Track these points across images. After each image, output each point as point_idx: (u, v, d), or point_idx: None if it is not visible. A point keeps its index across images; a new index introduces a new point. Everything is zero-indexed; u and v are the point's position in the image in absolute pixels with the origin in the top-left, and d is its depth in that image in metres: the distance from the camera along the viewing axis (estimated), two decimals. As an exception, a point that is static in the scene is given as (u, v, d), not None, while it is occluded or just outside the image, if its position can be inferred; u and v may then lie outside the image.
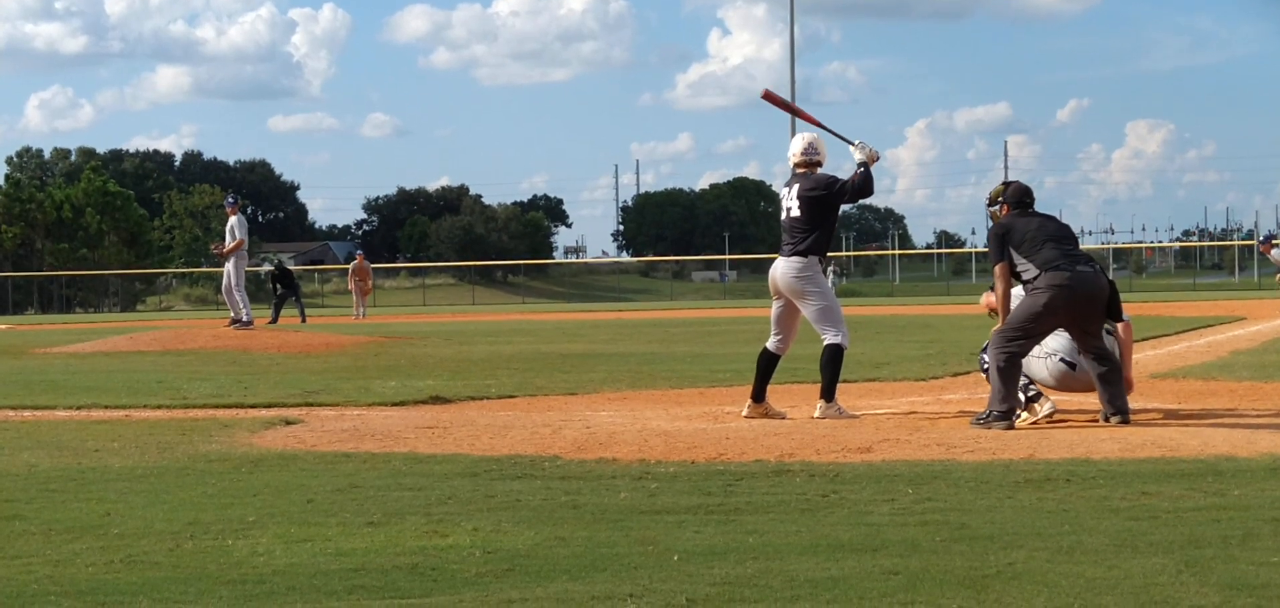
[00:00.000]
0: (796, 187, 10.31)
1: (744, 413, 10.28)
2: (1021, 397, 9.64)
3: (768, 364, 10.36)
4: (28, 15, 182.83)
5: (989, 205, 10.19)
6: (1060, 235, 9.69)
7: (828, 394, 10.15)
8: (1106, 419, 9.47)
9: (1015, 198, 9.95)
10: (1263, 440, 8.38)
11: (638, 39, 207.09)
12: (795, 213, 10.28)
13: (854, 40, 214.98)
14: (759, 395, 10.30)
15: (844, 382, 10.51)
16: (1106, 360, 9.57)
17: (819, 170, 10.39)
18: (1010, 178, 11.55)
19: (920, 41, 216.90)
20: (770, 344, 10.44)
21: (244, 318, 22.75)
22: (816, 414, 10.11)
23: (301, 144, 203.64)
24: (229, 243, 23.26)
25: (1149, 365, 14.59)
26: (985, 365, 10.19)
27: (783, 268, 10.33)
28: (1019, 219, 9.76)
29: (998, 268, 9.71)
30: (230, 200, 24.73)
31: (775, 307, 10.52)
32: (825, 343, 10.24)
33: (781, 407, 10.43)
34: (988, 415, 9.37)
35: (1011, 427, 9.24)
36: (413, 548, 5.66)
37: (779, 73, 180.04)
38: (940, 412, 10.52)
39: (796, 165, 10.45)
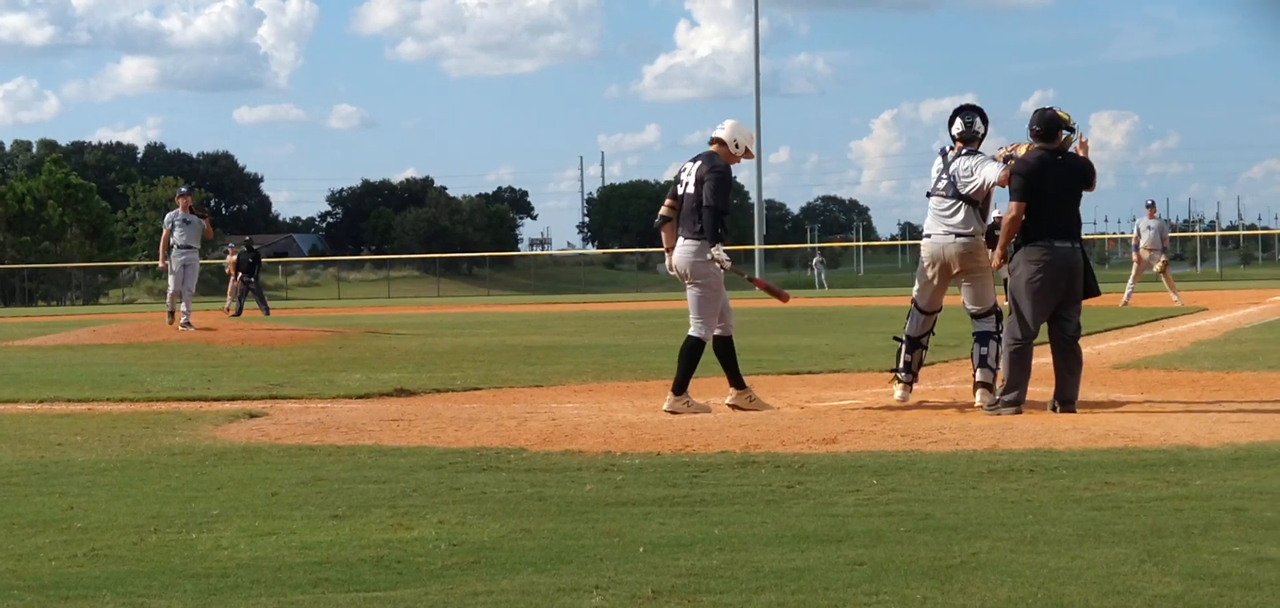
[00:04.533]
0: (699, 165, 10.16)
1: (728, 402, 10.14)
2: (904, 373, 10.25)
3: (725, 351, 10.20)
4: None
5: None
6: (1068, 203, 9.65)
7: (678, 387, 9.97)
8: (1053, 409, 9.54)
9: (1046, 128, 9.68)
10: (1224, 430, 8.44)
11: (606, 30, 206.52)
12: (690, 191, 10.16)
13: (821, 32, 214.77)
14: (738, 382, 10.16)
15: (809, 373, 10.52)
16: (1070, 349, 9.64)
17: (732, 161, 10.25)
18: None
19: (887, 33, 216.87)
20: (717, 330, 10.23)
21: (182, 320, 21.37)
22: (666, 408, 9.93)
23: (267, 136, 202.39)
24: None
25: (1111, 356, 14.67)
26: (978, 333, 10.13)
27: (680, 250, 10.20)
28: (1050, 165, 9.56)
29: (1016, 204, 9.51)
30: (182, 191, 23.84)
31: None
32: (688, 333, 10.11)
33: (702, 398, 10.26)
34: (996, 401, 9.62)
35: (1020, 412, 9.43)
36: (378, 541, 5.65)
37: (746, 65, 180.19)
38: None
39: (712, 140, 10.30)
